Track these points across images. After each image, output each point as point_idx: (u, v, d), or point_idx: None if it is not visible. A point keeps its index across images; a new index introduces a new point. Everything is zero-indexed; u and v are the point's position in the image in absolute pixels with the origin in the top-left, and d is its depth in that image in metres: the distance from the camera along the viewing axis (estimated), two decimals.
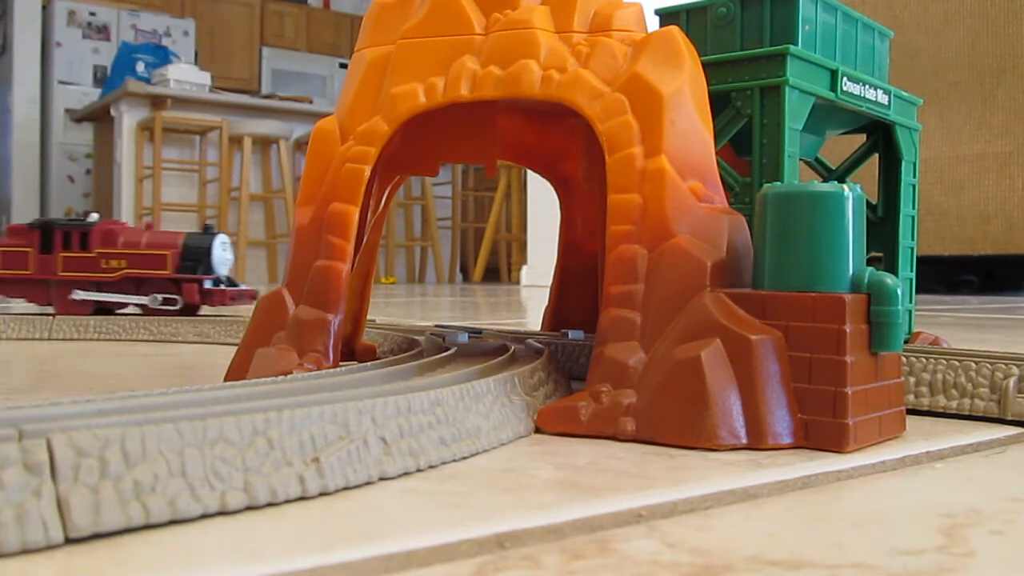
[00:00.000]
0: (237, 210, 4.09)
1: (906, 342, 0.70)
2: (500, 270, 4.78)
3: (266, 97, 4.78)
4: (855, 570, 0.27)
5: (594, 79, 0.51)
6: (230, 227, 4.12)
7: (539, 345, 0.60)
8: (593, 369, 0.48)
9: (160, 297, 1.08)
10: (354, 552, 0.27)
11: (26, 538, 0.26)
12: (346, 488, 0.34)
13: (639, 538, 0.30)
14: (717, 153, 0.55)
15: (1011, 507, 0.34)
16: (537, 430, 0.47)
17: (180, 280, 1.08)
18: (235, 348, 0.61)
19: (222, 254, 1.10)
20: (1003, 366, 0.52)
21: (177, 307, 1.09)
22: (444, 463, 0.39)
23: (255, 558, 0.27)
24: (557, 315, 0.77)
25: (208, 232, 1.12)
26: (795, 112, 0.61)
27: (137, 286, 1.11)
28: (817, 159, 0.78)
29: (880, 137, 0.76)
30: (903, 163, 0.75)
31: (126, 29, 5.40)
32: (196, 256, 1.09)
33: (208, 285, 1.08)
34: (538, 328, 0.80)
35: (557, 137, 0.72)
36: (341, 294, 0.55)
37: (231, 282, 1.11)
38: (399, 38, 0.56)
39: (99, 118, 4.39)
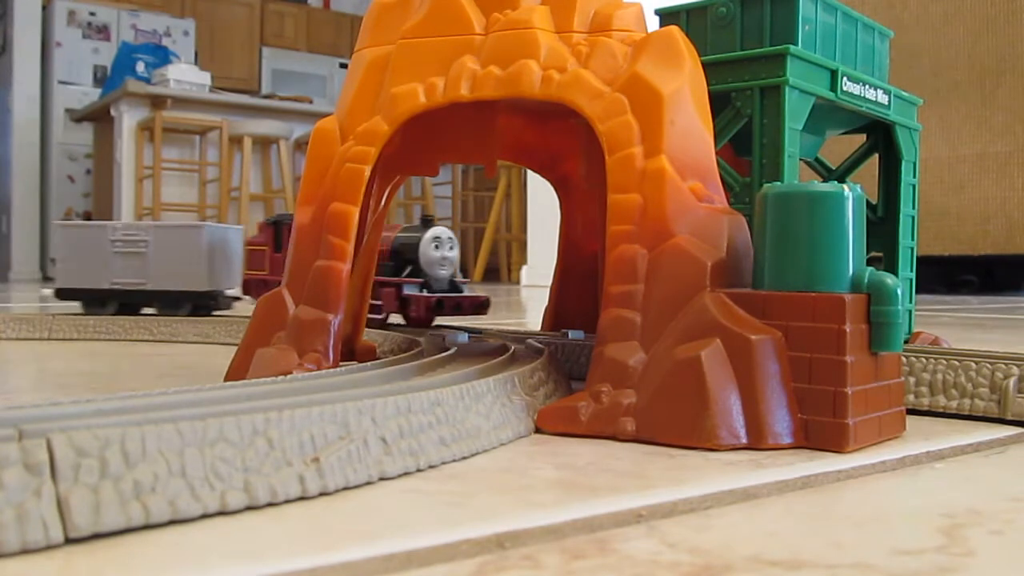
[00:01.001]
0: (237, 210, 4.09)
1: (906, 342, 0.70)
2: (500, 270, 4.78)
3: (266, 97, 4.78)
4: (855, 570, 0.27)
5: (594, 79, 0.51)
6: None
7: (539, 345, 0.60)
8: (593, 369, 0.48)
9: None
10: (354, 552, 0.27)
11: (26, 538, 0.26)
12: (346, 488, 0.34)
13: (639, 538, 0.30)
14: (717, 153, 0.55)
15: (1011, 507, 0.34)
16: (537, 430, 0.47)
17: (382, 285, 0.85)
18: (235, 348, 0.61)
19: (433, 253, 0.83)
20: (1003, 366, 0.52)
21: (379, 316, 0.85)
22: (444, 463, 0.39)
23: (255, 558, 0.27)
24: (557, 315, 0.77)
25: (423, 224, 0.87)
26: (795, 112, 0.61)
27: None
28: (817, 159, 0.78)
29: (880, 137, 0.75)
30: (903, 163, 0.75)
31: (126, 29, 5.40)
32: (402, 255, 0.85)
33: (410, 291, 0.82)
34: (538, 328, 0.80)
35: (557, 137, 0.72)
36: (341, 294, 0.55)
37: (453, 286, 0.85)
38: (399, 38, 0.56)
39: (99, 118, 4.39)
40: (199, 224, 1.08)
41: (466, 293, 0.84)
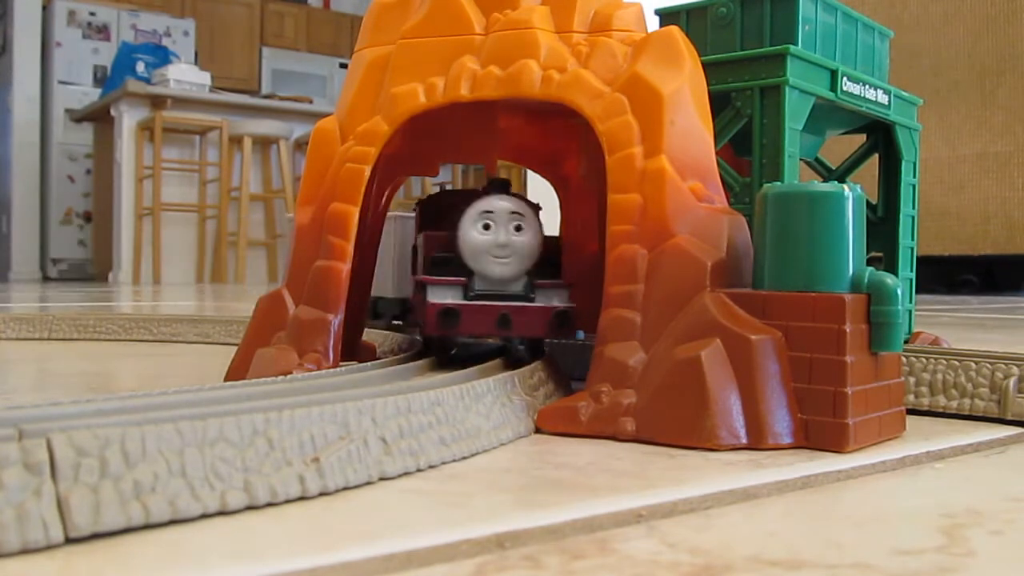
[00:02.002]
0: (237, 210, 4.09)
1: (906, 342, 0.70)
2: None
3: (266, 97, 4.78)
4: (855, 570, 0.27)
5: (594, 79, 0.51)
6: (230, 227, 4.12)
7: None
8: (593, 369, 0.48)
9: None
10: (354, 552, 0.27)
11: (26, 538, 0.26)
12: (346, 488, 0.34)
13: (639, 538, 0.30)
14: (717, 153, 0.55)
15: (1011, 507, 0.34)
16: (537, 430, 0.47)
17: (417, 289, 0.58)
18: (235, 348, 0.61)
19: (478, 237, 0.53)
20: (1003, 366, 0.52)
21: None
22: (444, 463, 0.39)
23: (255, 558, 0.27)
24: None
25: (488, 191, 0.56)
26: (795, 112, 0.61)
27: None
28: (817, 159, 0.78)
29: (880, 137, 0.75)
30: (903, 163, 0.75)
31: (126, 29, 5.40)
32: (440, 245, 0.56)
33: (435, 296, 0.53)
34: None
35: (557, 137, 0.72)
36: (341, 294, 0.55)
37: (525, 290, 0.55)
38: (399, 38, 0.56)
39: (99, 118, 4.39)
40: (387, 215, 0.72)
41: (537, 303, 0.54)
